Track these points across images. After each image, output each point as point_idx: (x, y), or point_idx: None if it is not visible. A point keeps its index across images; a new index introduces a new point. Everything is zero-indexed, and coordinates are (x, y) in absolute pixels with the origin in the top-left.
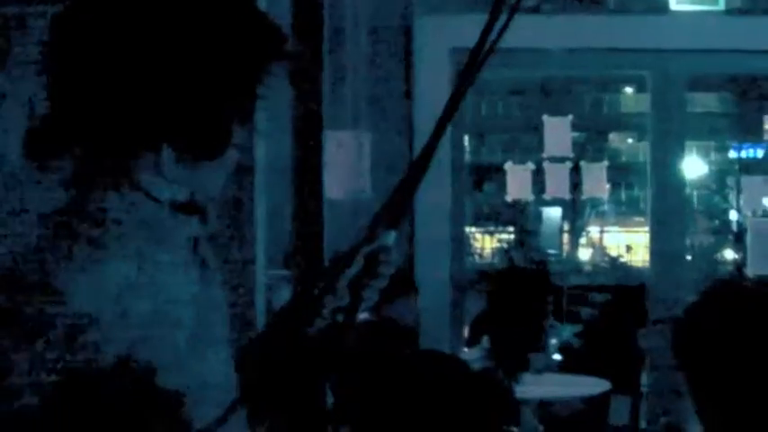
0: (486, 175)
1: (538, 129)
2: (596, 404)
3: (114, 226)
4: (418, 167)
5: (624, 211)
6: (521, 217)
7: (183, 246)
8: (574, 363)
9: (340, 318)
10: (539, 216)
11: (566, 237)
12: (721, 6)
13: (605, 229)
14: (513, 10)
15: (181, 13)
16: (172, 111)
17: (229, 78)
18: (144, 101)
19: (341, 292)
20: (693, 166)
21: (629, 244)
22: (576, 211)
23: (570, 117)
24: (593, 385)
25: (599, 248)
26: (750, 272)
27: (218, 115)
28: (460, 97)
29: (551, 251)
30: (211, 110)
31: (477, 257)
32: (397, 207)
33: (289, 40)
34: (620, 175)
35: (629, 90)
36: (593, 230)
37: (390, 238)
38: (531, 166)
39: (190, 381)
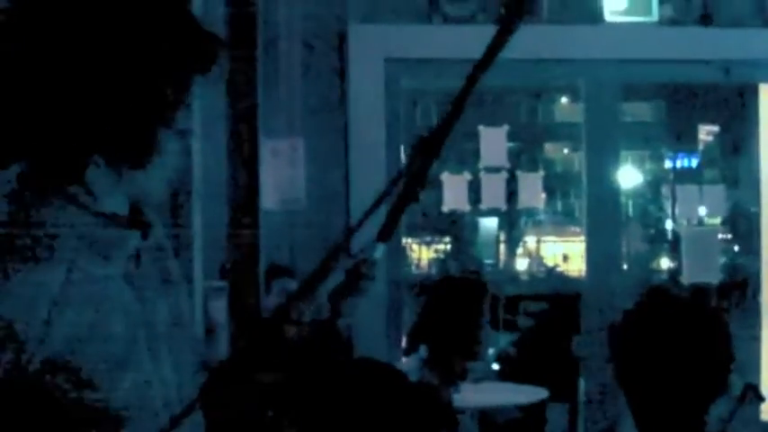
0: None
1: (474, 139)
2: (534, 412)
3: (49, 239)
4: (414, 182)
5: (560, 221)
6: (457, 227)
7: (121, 259)
8: (511, 371)
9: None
10: (475, 226)
11: (502, 247)
12: (654, 17)
13: (542, 238)
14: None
15: (112, 18)
16: (100, 119)
17: (158, 85)
18: (73, 111)
19: (321, 305)
20: (629, 176)
21: (566, 253)
22: (512, 221)
23: (506, 127)
24: (530, 393)
25: (536, 258)
26: (684, 280)
27: (145, 122)
28: (461, 108)
29: (488, 261)
30: (137, 117)
31: (414, 268)
32: (389, 222)
33: (224, 46)
34: (557, 184)
35: (564, 100)
36: (530, 240)
37: (378, 251)
38: (467, 176)
39: (123, 394)
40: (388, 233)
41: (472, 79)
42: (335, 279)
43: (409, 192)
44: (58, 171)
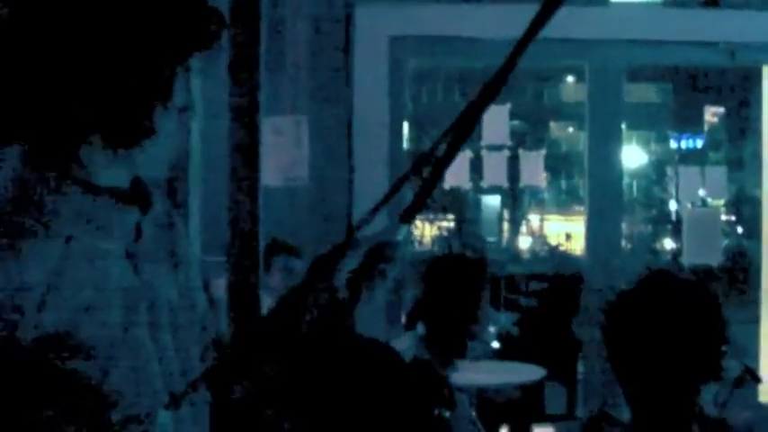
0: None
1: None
2: (532, 392)
3: (46, 214)
4: (440, 164)
5: (564, 200)
6: (460, 205)
7: (122, 234)
8: (512, 351)
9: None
10: (478, 204)
11: (505, 225)
12: None
13: (545, 217)
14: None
15: None
16: (96, 96)
17: (155, 62)
18: (69, 87)
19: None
20: (633, 156)
21: (569, 233)
22: (515, 200)
23: (508, 106)
24: (528, 373)
25: (539, 237)
26: (685, 261)
27: (141, 99)
28: (499, 86)
29: (490, 239)
30: (133, 94)
31: (417, 245)
32: (415, 203)
33: (225, 23)
34: (561, 164)
35: (570, 80)
36: (534, 219)
37: (402, 233)
38: (469, 153)
39: (120, 371)
40: (411, 215)
41: (512, 58)
42: (354, 261)
43: (436, 174)
44: (55, 148)
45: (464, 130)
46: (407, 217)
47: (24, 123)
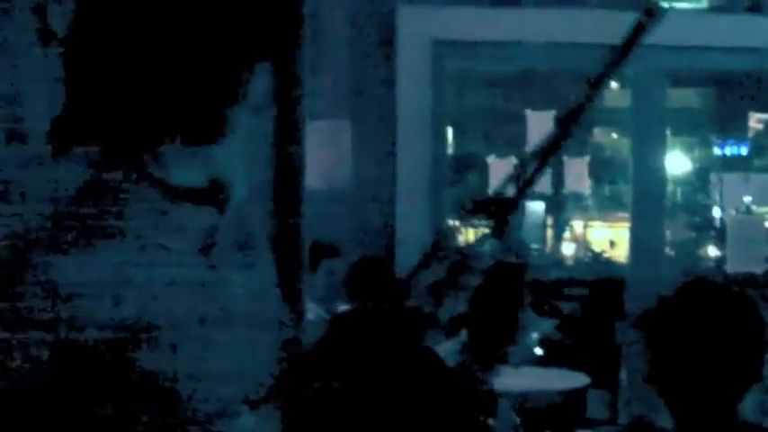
0: (470, 167)
1: (521, 122)
2: (574, 398)
3: (120, 214)
4: (528, 180)
5: (608, 206)
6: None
7: (196, 234)
8: (555, 356)
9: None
10: (522, 210)
11: (549, 231)
12: (704, 4)
13: (589, 223)
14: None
15: None
16: (175, 93)
17: (235, 60)
18: (149, 85)
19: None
20: (677, 162)
21: (613, 239)
22: (558, 206)
23: (553, 112)
24: (570, 379)
25: (582, 243)
26: (729, 269)
27: (217, 97)
28: (596, 92)
29: (534, 245)
30: (212, 91)
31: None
32: (504, 219)
33: (302, 23)
34: (604, 169)
35: (613, 85)
36: (577, 225)
37: (488, 245)
38: (513, 159)
39: (195, 366)
40: (502, 229)
41: (610, 67)
42: (439, 271)
43: (522, 190)
44: (131, 147)
45: (552, 148)
46: (498, 232)
47: (101, 121)
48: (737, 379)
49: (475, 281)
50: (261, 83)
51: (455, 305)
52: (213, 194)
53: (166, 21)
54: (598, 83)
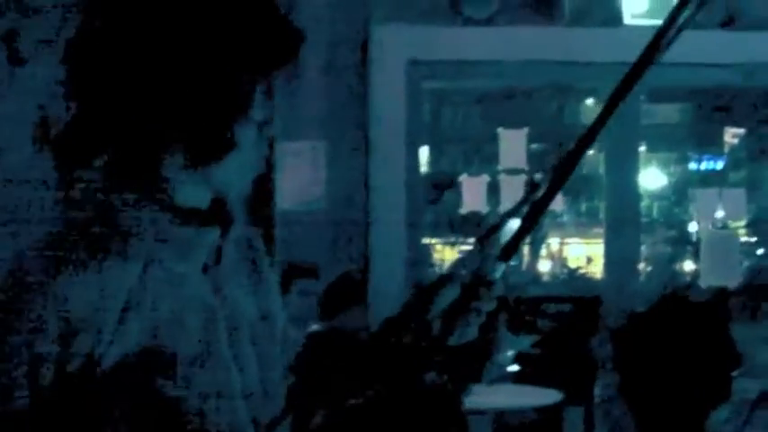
0: (446, 185)
1: (496, 141)
2: (549, 414)
3: (126, 234)
4: (541, 204)
5: (585, 223)
6: (480, 228)
7: (201, 254)
8: (531, 373)
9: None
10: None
11: (525, 248)
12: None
13: (566, 240)
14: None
15: (200, 12)
16: (178, 111)
17: (238, 78)
18: (152, 104)
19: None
20: (654, 177)
21: (589, 255)
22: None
23: (526, 129)
24: (544, 396)
25: (559, 260)
26: (703, 283)
27: (223, 114)
28: (612, 110)
29: (511, 262)
30: (216, 109)
31: (437, 268)
32: (513, 242)
33: (304, 39)
34: (581, 186)
35: (589, 101)
36: (554, 242)
37: (498, 271)
38: (486, 178)
39: (204, 388)
40: (510, 253)
41: (626, 84)
42: (450, 296)
43: (534, 214)
44: (136, 166)
45: (564, 171)
46: (506, 256)
47: (106, 142)
48: (705, 396)
49: (487, 306)
50: (264, 98)
51: (466, 331)
52: (217, 214)
53: (171, 39)
54: (613, 102)
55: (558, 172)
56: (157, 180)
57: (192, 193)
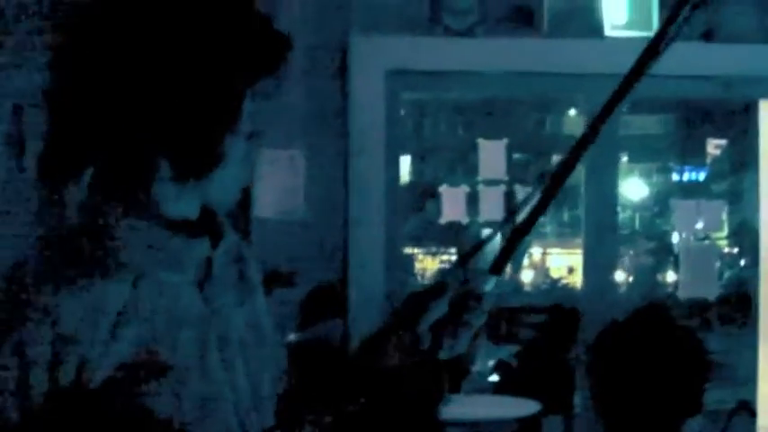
0: (428, 195)
1: (476, 151)
2: (529, 424)
3: (117, 247)
4: (533, 215)
5: (567, 233)
6: (461, 238)
7: (191, 266)
8: (510, 383)
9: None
10: (478, 237)
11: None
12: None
13: (548, 250)
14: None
15: (179, 19)
16: (167, 124)
17: (225, 89)
18: (139, 116)
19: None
20: (636, 188)
21: (571, 265)
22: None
23: (505, 140)
24: (523, 406)
25: (541, 270)
26: (682, 294)
27: (211, 127)
28: (602, 122)
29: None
30: (205, 120)
31: (419, 278)
32: (503, 255)
33: (291, 47)
34: (563, 196)
35: (572, 112)
36: (536, 252)
37: (489, 284)
38: (465, 188)
39: (195, 401)
40: (501, 266)
41: (618, 96)
42: (440, 309)
43: (528, 224)
44: (124, 178)
45: (556, 183)
46: (497, 268)
47: (91, 156)
48: (677, 408)
49: (478, 320)
50: (251, 109)
51: (456, 344)
52: (206, 225)
53: (156, 50)
54: (605, 113)
55: (549, 184)
56: (146, 192)
57: (181, 204)
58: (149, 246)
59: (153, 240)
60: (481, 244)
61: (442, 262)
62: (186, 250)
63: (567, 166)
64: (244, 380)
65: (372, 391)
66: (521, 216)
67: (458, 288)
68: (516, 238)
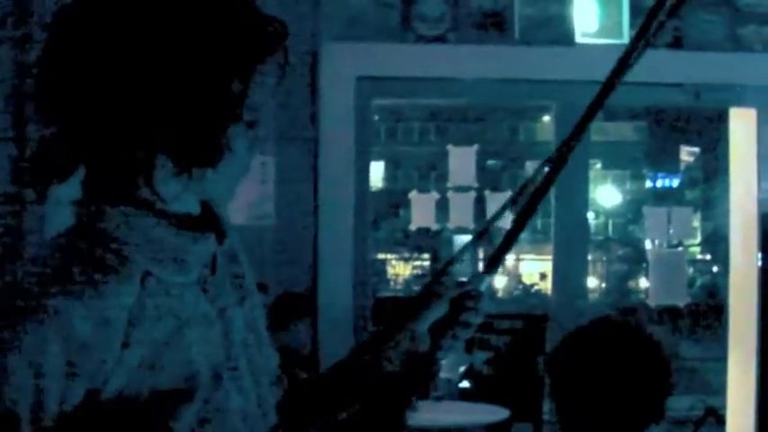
0: (401, 201)
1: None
2: (498, 431)
3: (120, 247)
4: (524, 214)
5: (540, 239)
6: (434, 244)
7: (196, 265)
8: (482, 390)
9: (416, 364)
10: (451, 243)
11: (480, 264)
12: (625, 39)
13: (521, 256)
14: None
15: (176, 12)
16: (167, 116)
17: (224, 75)
18: (139, 108)
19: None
20: (609, 195)
21: (544, 272)
22: (490, 239)
23: (475, 147)
24: (492, 413)
25: (514, 276)
26: (652, 301)
27: (214, 116)
28: (583, 128)
29: (463, 278)
30: (206, 111)
31: (392, 284)
32: (498, 254)
33: (286, 32)
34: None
35: (546, 118)
36: (509, 258)
37: (483, 284)
38: (435, 195)
39: (209, 406)
40: (495, 265)
41: (600, 99)
42: (439, 310)
43: (518, 226)
44: (123, 176)
45: (543, 187)
46: (490, 268)
47: (87, 153)
48: (638, 416)
49: (476, 320)
50: (250, 98)
51: (453, 346)
52: (210, 221)
53: (152, 40)
54: (585, 121)
55: (537, 189)
56: (146, 189)
57: (182, 200)
58: (154, 244)
59: (158, 238)
60: (459, 254)
61: (414, 268)
62: (192, 248)
63: (552, 173)
64: (249, 383)
65: (368, 396)
66: (514, 218)
67: (456, 289)
68: (509, 239)
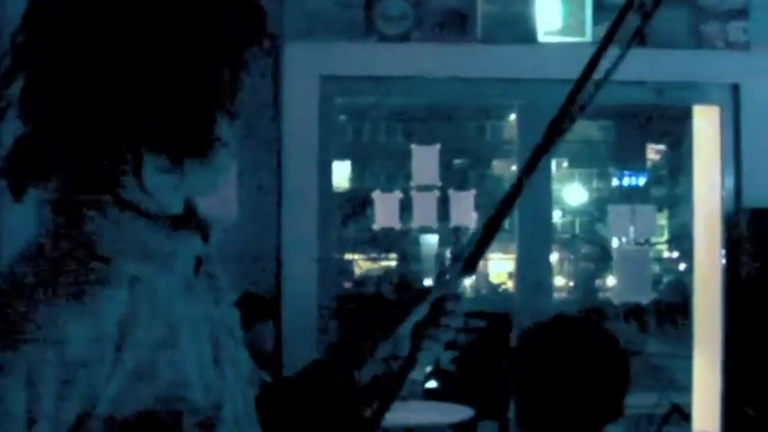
0: (367, 201)
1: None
2: (463, 430)
3: (104, 249)
4: (497, 216)
5: (507, 239)
6: (400, 243)
7: (181, 266)
8: (448, 389)
9: (395, 366)
10: (417, 242)
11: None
12: (588, 38)
13: (488, 256)
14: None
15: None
16: (156, 106)
17: (213, 63)
18: (120, 100)
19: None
20: (576, 193)
21: (512, 271)
22: (457, 238)
23: (438, 146)
24: (457, 412)
25: (482, 275)
26: (616, 299)
27: (203, 106)
28: (557, 131)
29: (428, 278)
30: (195, 101)
31: (359, 284)
32: (475, 253)
33: (266, 17)
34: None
35: (512, 117)
36: None
37: (462, 285)
38: (398, 194)
39: (206, 409)
40: (472, 265)
41: (569, 102)
42: (420, 312)
43: (494, 225)
44: (105, 175)
45: (518, 185)
46: (468, 268)
47: (66, 153)
48: (596, 414)
49: (455, 322)
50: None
51: (434, 348)
52: (192, 220)
53: (145, 23)
54: (561, 119)
55: (512, 187)
56: (129, 187)
57: (167, 197)
58: (140, 246)
59: (145, 240)
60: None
61: (381, 268)
62: (180, 248)
63: (527, 170)
64: (235, 385)
65: (343, 402)
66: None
67: (437, 291)
68: (486, 237)
